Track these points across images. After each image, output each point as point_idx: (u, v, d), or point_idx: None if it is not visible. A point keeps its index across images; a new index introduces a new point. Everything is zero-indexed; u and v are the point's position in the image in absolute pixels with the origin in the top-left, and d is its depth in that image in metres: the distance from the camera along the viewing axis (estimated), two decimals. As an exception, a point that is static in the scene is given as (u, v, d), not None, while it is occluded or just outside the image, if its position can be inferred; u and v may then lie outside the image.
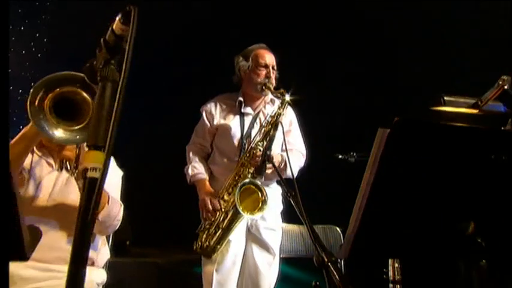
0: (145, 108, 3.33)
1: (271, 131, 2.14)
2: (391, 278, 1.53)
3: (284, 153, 2.34)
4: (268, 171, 2.19)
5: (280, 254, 2.40)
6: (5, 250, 0.80)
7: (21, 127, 1.48)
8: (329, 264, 1.24)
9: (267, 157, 1.98)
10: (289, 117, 2.46)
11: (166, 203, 3.50)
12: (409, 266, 1.57)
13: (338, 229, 2.69)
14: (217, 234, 2.17)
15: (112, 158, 1.82)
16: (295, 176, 2.19)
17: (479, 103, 1.32)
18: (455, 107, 1.34)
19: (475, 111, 1.35)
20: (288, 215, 2.58)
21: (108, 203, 1.59)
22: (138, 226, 3.52)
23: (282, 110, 2.17)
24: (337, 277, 1.18)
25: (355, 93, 2.99)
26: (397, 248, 1.36)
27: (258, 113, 2.39)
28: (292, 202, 1.58)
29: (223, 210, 2.18)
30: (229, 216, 2.14)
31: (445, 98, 1.37)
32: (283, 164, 2.28)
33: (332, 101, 3.12)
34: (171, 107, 3.26)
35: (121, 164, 1.86)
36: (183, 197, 2.45)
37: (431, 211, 1.26)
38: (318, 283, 1.21)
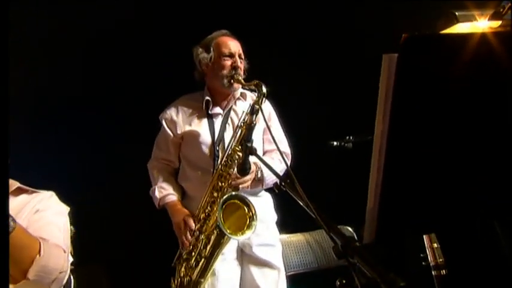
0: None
1: (251, 129, 1.87)
2: (432, 263, 1.28)
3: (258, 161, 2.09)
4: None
5: (286, 271, 2.11)
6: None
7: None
8: (353, 252, 0.97)
9: (248, 150, 1.71)
10: (268, 111, 2.21)
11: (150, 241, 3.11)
12: (446, 242, 1.32)
13: (350, 229, 2.45)
14: (200, 265, 1.87)
15: (51, 192, 1.54)
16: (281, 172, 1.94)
17: (501, 11, 1.10)
18: (471, 21, 1.12)
19: (496, 23, 1.14)
20: (287, 225, 2.33)
21: (40, 253, 1.28)
22: (117, 278, 3.13)
23: (259, 104, 1.85)
24: (368, 265, 0.91)
25: (338, 72, 2.80)
26: (431, 217, 1.11)
27: (229, 111, 2.13)
28: (288, 191, 1.32)
29: (202, 237, 1.90)
30: (212, 241, 1.85)
31: (457, 13, 1.15)
32: (260, 173, 2.02)
33: (313, 83, 2.94)
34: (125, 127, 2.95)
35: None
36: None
37: (468, 156, 1.02)
38: (344, 281, 0.94)
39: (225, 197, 1.83)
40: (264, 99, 1.87)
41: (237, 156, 1.90)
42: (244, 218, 1.85)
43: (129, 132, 2.75)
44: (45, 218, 1.41)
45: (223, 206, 1.82)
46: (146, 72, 2.82)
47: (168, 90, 2.32)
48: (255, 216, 1.83)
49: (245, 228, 1.83)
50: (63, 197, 1.57)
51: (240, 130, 1.92)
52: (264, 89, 1.86)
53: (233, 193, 1.86)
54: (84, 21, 2.71)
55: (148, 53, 2.81)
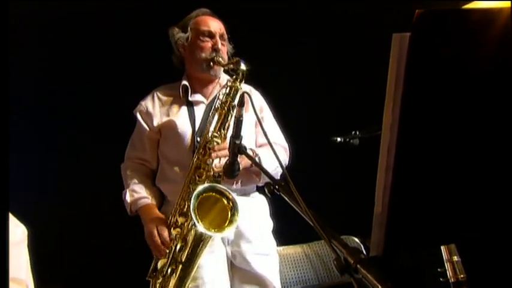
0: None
1: (230, 114, 1.89)
2: (452, 280, 1.25)
3: (257, 149, 2.08)
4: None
5: (282, 290, 2.11)
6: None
7: None
8: (358, 266, 0.95)
9: (237, 149, 1.68)
10: (259, 103, 2.22)
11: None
12: (468, 255, 1.31)
13: (356, 239, 2.46)
14: (177, 273, 1.85)
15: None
16: (277, 174, 1.90)
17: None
18: (496, -5, 1.10)
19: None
20: (282, 235, 2.32)
21: None
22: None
23: (237, 83, 1.92)
24: (376, 281, 0.89)
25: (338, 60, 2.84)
26: (450, 224, 1.10)
27: (213, 100, 2.10)
28: (282, 195, 1.31)
29: (178, 237, 1.87)
30: (189, 243, 1.83)
31: (479, -15, 1.13)
32: (257, 159, 2.00)
33: (314, 72, 2.95)
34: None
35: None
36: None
37: (491, 150, 1.01)
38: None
39: (198, 190, 1.81)
40: (242, 77, 1.90)
41: (215, 143, 1.91)
42: (225, 211, 1.83)
43: (95, 137, 2.75)
44: None
45: (198, 200, 1.79)
46: (119, 64, 2.82)
47: (144, 83, 2.32)
48: (236, 209, 1.82)
49: (227, 222, 1.81)
50: (18, 209, 1.56)
51: (218, 113, 1.94)
52: (243, 66, 1.88)
53: (209, 184, 1.85)
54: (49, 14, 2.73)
55: (123, 44, 2.82)
